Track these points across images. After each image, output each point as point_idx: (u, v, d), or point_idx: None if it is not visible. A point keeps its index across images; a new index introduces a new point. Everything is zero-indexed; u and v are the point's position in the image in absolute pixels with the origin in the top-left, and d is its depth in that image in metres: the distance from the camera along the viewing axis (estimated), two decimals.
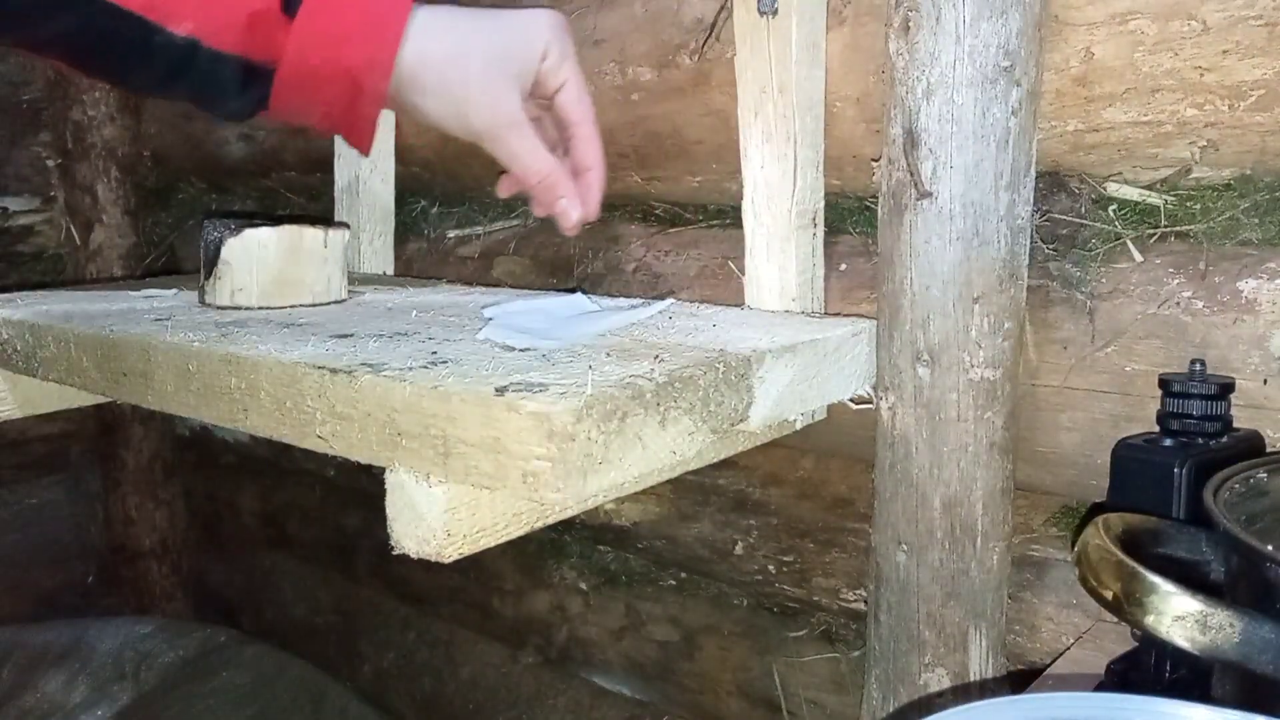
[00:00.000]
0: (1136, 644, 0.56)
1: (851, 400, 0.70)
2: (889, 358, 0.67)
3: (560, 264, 0.98)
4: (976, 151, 0.62)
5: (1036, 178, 0.65)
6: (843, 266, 0.78)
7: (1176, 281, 0.63)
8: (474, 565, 1.17)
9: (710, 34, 0.80)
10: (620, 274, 0.93)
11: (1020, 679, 0.70)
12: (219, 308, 0.77)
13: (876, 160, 0.71)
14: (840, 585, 0.86)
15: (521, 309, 0.76)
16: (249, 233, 0.77)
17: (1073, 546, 0.61)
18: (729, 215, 0.86)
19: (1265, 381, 0.60)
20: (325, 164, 1.11)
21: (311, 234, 0.79)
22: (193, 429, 1.57)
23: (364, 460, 0.54)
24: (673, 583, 1.00)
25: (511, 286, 0.98)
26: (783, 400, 0.62)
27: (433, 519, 0.50)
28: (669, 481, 0.70)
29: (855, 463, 0.83)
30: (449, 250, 1.09)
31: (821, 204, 0.75)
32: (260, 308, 0.77)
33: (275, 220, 0.79)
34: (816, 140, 0.74)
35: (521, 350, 0.60)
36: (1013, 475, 0.67)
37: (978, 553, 0.66)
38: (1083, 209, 0.67)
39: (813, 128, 0.73)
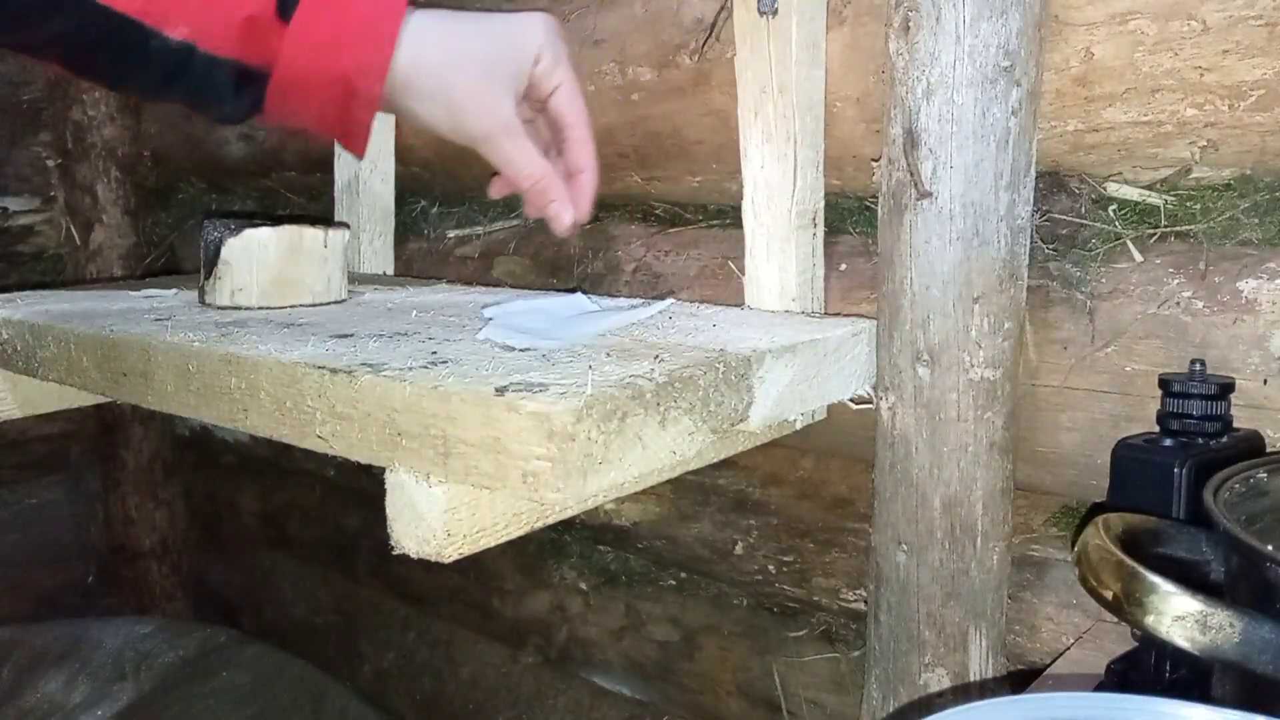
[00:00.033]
0: (1136, 644, 0.56)
1: (851, 400, 0.70)
2: (889, 358, 0.67)
3: (560, 264, 0.98)
4: (976, 151, 0.62)
5: (1036, 178, 0.65)
6: (843, 266, 0.78)
7: (1176, 281, 0.63)
8: (474, 565, 1.17)
9: (710, 34, 0.80)
10: (620, 274, 0.94)
11: (1020, 679, 0.70)
12: (219, 308, 0.77)
13: (876, 160, 0.71)
14: (840, 585, 0.86)
15: (521, 309, 0.76)
16: (249, 233, 0.77)
17: (1073, 546, 0.61)
18: (729, 215, 0.86)
19: (1265, 381, 0.60)
20: (325, 164, 1.11)
21: (311, 234, 0.79)
22: (193, 429, 1.57)
23: (364, 460, 0.54)
24: (673, 583, 1.00)
25: (511, 286, 0.98)
26: (783, 400, 0.62)
27: (433, 519, 0.50)
28: (669, 481, 0.70)
29: (855, 463, 0.83)
30: (449, 250, 1.09)
31: (821, 204, 0.75)
32: (260, 308, 0.77)
33: (275, 220, 0.79)
34: (816, 140, 0.74)
35: (521, 350, 0.60)
36: (1013, 475, 0.67)
37: (978, 553, 0.66)
38: (1083, 209, 0.67)
39: (813, 128, 0.73)
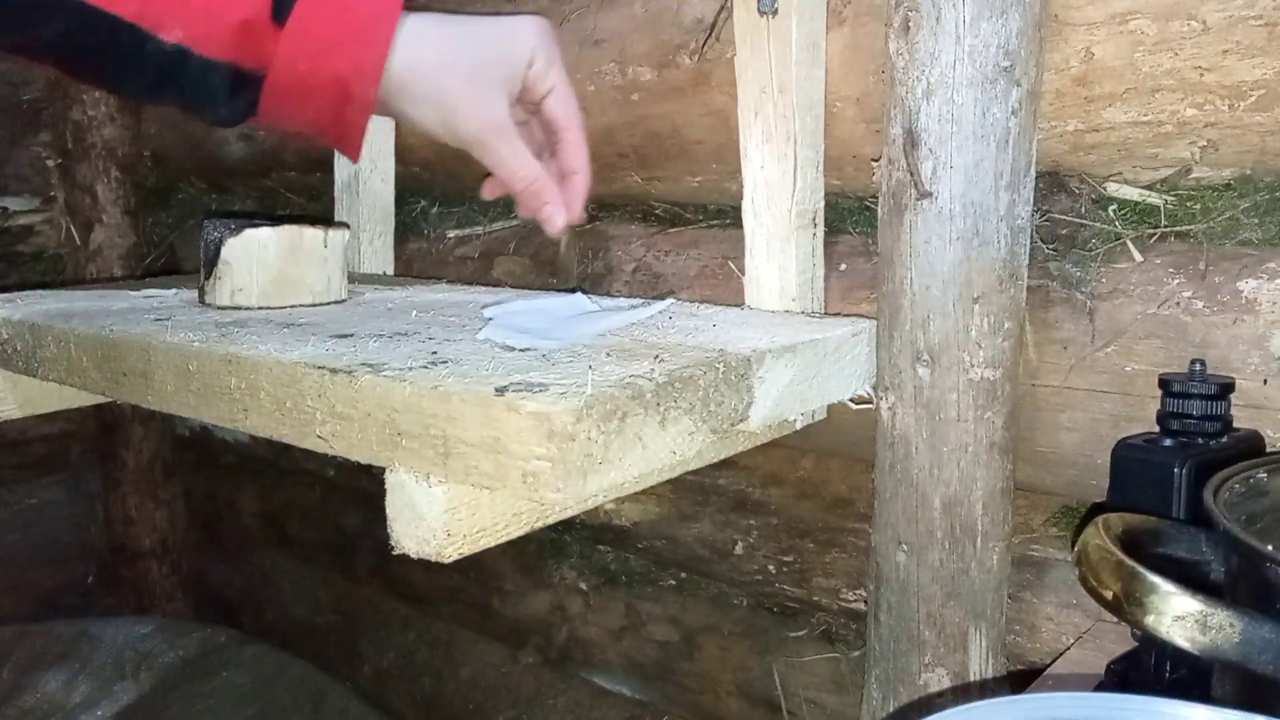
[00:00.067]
0: (1136, 644, 0.56)
1: (851, 400, 0.70)
2: (889, 358, 0.67)
3: (560, 264, 0.98)
4: (976, 151, 0.62)
5: (1036, 178, 0.65)
6: (843, 266, 0.78)
7: (1176, 281, 0.63)
8: (474, 565, 1.17)
9: (710, 34, 0.80)
10: (620, 274, 0.94)
11: (1020, 679, 0.70)
12: (219, 308, 0.77)
13: (876, 160, 0.71)
14: (840, 585, 0.86)
15: (521, 309, 0.76)
16: (249, 233, 0.77)
17: (1073, 546, 0.61)
18: (729, 215, 0.86)
19: (1265, 381, 0.60)
20: (325, 164, 1.11)
21: (311, 234, 0.79)
22: (193, 429, 1.57)
23: (364, 460, 0.54)
24: (673, 583, 1.00)
25: (511, 286, 0.98)
26: (783, 400, 0.62)
27: (433, 519, 0.50)
28: (669, 481, 0.70)
29: (855, 463, 0.83)
30: (449, 250, 1.09)
31: (821, 204, 0.75)
32: (260, 308, 0.77)
33: (275, 220, 0.79)
34: (816, 140, 0.74)
35: (521, 350, 0.60)
36: (1013, 475, 0.67)
37: (978, 553, 0.66)
38: (1083, 209, 0.67)
39: (813, 128, 0.73)
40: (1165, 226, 0.64)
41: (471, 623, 1.22)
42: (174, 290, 0.89)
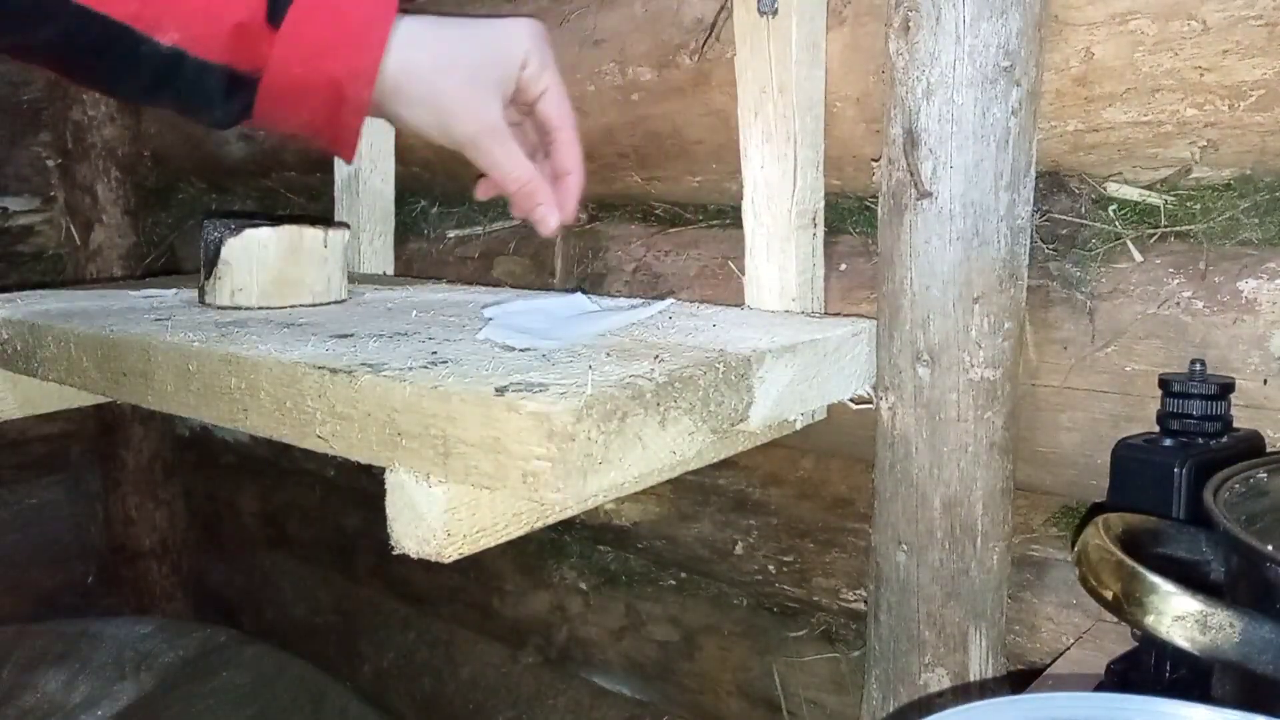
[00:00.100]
0: (1136, 644, 0.56)
1: (851, 400, 0.70)
2: (889, 358, 0.67)
3: (560, 264, 0.98)
4: (976, 151, 0.62)
5: (1036, 178, 0.65)
6: (843, 266, 0.78)
7: (1176, 281, 0.63)
8: (474, 565, 1.17)
9: (710, 34, 0.80)
10: (620, 274, 0.94)
11: (1020, 679, 0.70)
12: (219, 308, 0.77)
13: (876, 160, 0.71)
14: (840, 585, 0.86)
15: (521, 309, 0.76)
16: (249, 233, 0.77)
17: (1073, 546, 0.61)
18: (729, 215, 0.86)
19: (1265, 381, 0.60)
20: (325, 164, 1.11)
21: (311, 234, 0.79)
22: (193, 429, 1.57)
23: (364, 460, 0.54)
24: (673, 583, 1.00)
25: (511, 286, 0.98)
26: (783, 400, 0.62)
27: (433, 519, 0.50)
28: (669, 481, 0.70)
29: (855, 463, 0.83)
30: (449, 250, 1.09)
31: (821, 204, 0.75)
32: (260, 308, 0.77)
33: (275, 220, 0.79)
34: (816, 140, 0.74)
35: (521, 350, 0.60)
36: (1013, 475, 0.67)
37: (978, 553, 0.66)
38: (1083, 209, 0.67)
39: (813, 128, 0.73)
40: (1165, 226, 0.64)
41: (471, 623, 1.22)
42: (174, 290, 0.89)
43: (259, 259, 0.77)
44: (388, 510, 0.52)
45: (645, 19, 0.84)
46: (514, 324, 0.69)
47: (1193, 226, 0.63)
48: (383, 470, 0.52)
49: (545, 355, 0.58)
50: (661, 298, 0.80)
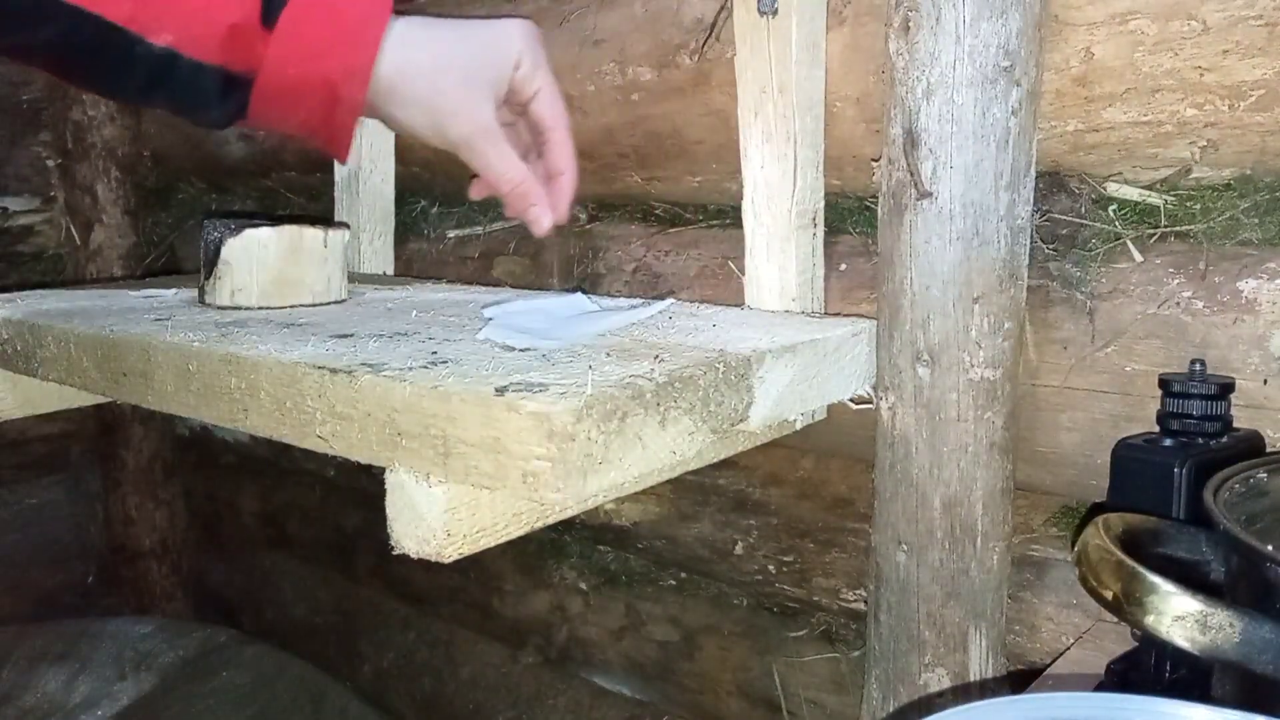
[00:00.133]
0: (1136, 644, 0.56)
1: (851, 400, 0.70)
2: (889, 358, 0.67)
3: (560, 264, 0.98)
4: (976, 151, 0.62)
5: (1036, 178, 0.65)
6: (843, 266, 0.78)
7: (1176, 281, 0.63)
8: (474, 565, 1.17)
9: (710, 34, 0.80)
10: (620, 274, 0.93)
11: (1020, 679, 0.70)
12: (219, 308, 0.77)
13: (876, 160, 0.71)
14: (840, 585, 0.86)
15: (521, 309, 0.76)
16: (249, 233, 0.77)
17: (1073, 546, 0.61)
18: (729, 215, 0.86)
19: (1265, 381, 0.60)
20: (325, 164, 1.11)
21: (311, 234, 0.79)
22: (193, 429, 1.57)
23: (364, 460, 0.54)
24: (673, 583, 1.00)
25: (511, 286, 0.98)
26: (783, 400, 0.62)
27: (433, 519, 0.50)
28: (669, 481, 0.70)
29: (855, 463, 0.83)
30: (449, 250, 1.09)
31: (821, 204, 0.75)
32: (260, 308, 0.77)
33: (275, 220, 0.79)
34: (816, 140, 0.74)
35: (521, 350, 0.60)
36: (1013, 475, 0.67)
37: (978, 553, 0.66)
38: (1083, 209, 0.67)
39: (813, 128, 0.73)
40: (1165, 226, 0.64)
41: (471, 623, 1.22)
42: (174, 290, 0.89)
43: (259, 259, 0.77)
44: (388, 510, 0.52)
45: (645, 19, 0.84)
46: (514, 324, 0.69)
47: (1193, 226, 0.63)
48: (383, 470, 0.52)
49: (545, 355, 0.58)
50: (661, 298, 0.80)
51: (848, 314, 0.75)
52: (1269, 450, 0.60)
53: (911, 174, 0.63)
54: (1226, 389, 0.58)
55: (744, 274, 0.78)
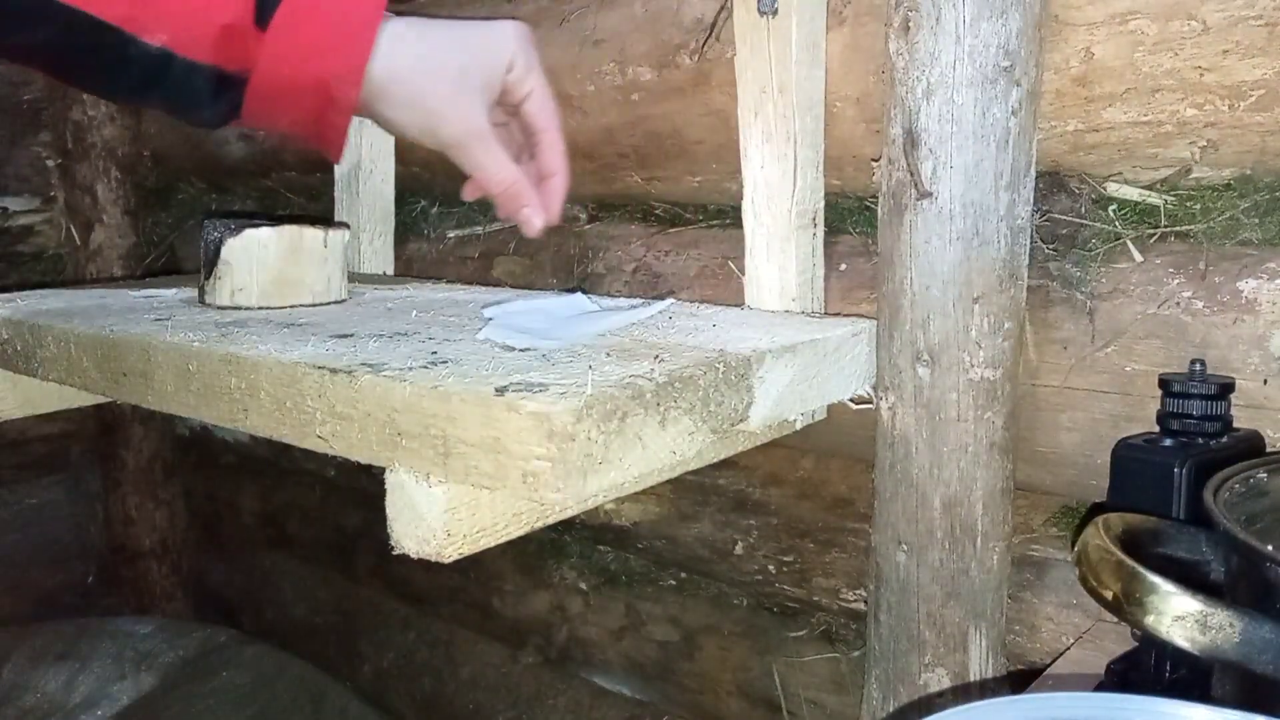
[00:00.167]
0: (1136, 644, 0.56)
1: (851, 400, 0.70)
2: (889, 358, 0.67)
3: (560, 264, 0.98)
4: (976, 151, 0.62)
5: (1036, 178, 0.65)
6: (843, 266, 0.78)
7: (1176, 281, 0.63)
8: (474, 565, 1.17)
9: (710, 34, 0.80)
10: (620, 274, 0.93)
11: (1020, 679, 0.70)
12: (219, 308, 0.77)
13: (876, 160, 0.71)
14: (840, 585, 0.86)
15: (521, 309, 0.76)
16: (249, 233, 0.77)
17: (1073, 546, 0.61)
18: (729, 215, 0.86)
19: (1265, 381, 0.60)
20: (325, 164, 1.11)
21: (311, 234, 0.79)
22: (193, 429, 1.57)
23: (364, 460, 0.54)
24: (673, 583, 1.00)
25: (511, 286, 0.98)
26: (783, 400, 0.62)
27: (433, 519, 0.50)
28: (669, 481, 0.70)
29: (855, 463, 0.83)
30: (449, 250, 1.09)
31: (821, 204, 0.75)
32: (260, 308, 0.77)
33: (275, 220, 0.79)
34: (816, 140, 0.74)
35: (521, 350, 0.60)
36: (1013, 475, 0.67)
37: (978, 553, 0.66)
38: (1083, 209, 0.67)
39: (813, 128, 0.73)
40: (1165, 226, 0.64)
41: (471, 623, 1.22)
42: (174, 290, 0.89)
43: (259, 259, 0.77)
44: (388, 510, 0.52)
45: (645, 19, 0.84)
46: (514, 324, 0.69)
47: (1193, 226, 0.63)
48: (383, 470, 0.52)
49: (545, 355, 0.58)
50: (661, 298, 0.80)
51: (848, 314, 0.75)
52: (1269, 450, 0.60)
53: (911, 174, 0.63)
54: (1226, 389, 0.58)
55: (744, 274, 0.78)
